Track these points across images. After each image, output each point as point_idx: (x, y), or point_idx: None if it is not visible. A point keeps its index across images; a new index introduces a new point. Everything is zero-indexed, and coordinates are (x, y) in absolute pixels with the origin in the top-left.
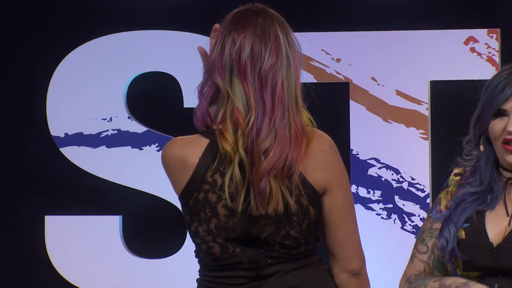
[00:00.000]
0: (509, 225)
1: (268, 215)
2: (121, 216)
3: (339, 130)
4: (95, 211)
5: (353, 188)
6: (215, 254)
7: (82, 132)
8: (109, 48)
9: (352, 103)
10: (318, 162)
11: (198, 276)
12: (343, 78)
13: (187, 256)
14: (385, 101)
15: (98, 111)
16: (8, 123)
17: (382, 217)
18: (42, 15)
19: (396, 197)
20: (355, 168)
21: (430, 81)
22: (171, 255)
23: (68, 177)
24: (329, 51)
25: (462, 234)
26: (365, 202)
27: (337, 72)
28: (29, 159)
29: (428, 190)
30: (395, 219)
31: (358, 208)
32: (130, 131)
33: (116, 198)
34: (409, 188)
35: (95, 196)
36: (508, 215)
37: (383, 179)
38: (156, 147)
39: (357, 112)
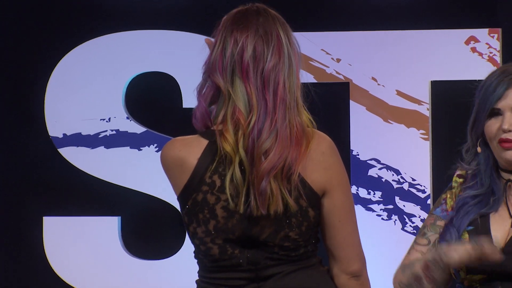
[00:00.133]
0: (511, 227)
1: (267, 217)
2: (119, 217)
3: (339, 131)
4: (94, 212)
5: (353, 189)
6: (214, 256)
7: (80, 133)
8: (107, 48)
9: (352, 103)
10: (318, 163)
11: (197, 278)
12: (343, 78)
13: (186, 258)
14: (386, 101)
15: (97, 112)
16: (6, 124)
17: (382, 218)
18: (40, 14)
19: (397, 198)
20: (355, 169)
21: (431, 81)
22: (170, 256)
23: (67, 177)
24: (329, 51)
25: (466, 237)
26: (365, 203)
27: (337, 72)
28: (27, 160)
29: (429, 191)
30: (396, 220)
31: (358, 209)
32: (129, 131)
33: (115, 199)
34: (409, 189)
35: (93, 197)
36: (511, 216)
37: (383, 179)
38: (155, 147)
39: (357, 112)
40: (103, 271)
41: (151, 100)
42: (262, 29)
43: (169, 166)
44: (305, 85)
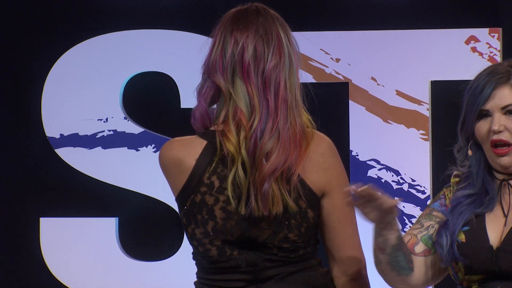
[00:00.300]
0: (505, 226)
1: (266, 218)
2: (117, 218)
3: (338, 131)
4: (91, 213)
5: None
6: (212, 257)
7: (77, 133)
8: (105, 47)
9: (351, 104)
10: (317, 164)
11: (195, 279)
12: (342, 78)
13: (184, 259)
14: (385, 101)
15: (94, 112)
16: (2, 124)
17: None
18: (37, 14)
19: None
20: (354, 170)
21: (431, 81)
22: (168, 257)
23: (64, 178)
24: (328, 51)
25: (462, 237)
26: None
27: (336, 72)
28: (24, 160)
29: (428, 191)
30: None
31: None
32: (126, 132)
33: (112, 200)
34: (409, 189)
35: (91, 197)
36: (505, 215)
37: (383, 180)
38: (153, 148)
39: (356, 112)
40: (101, 273)
41: (149, 100)
42: (262, 29)
43: (167, 167)
44: (304, 85)
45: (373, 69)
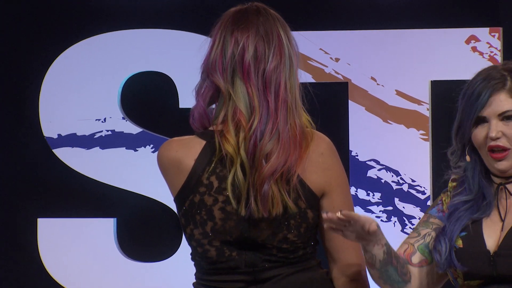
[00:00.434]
0: (502, 230)
1: (266, 219)
2: (115, 219)
3: (338, 131)
4: (89, 213)
5: (352, 190)
6: (211, 258)
7: (75, 133)
8: (103, 47)
9: (351, 104)
10: (317, 164)
11: (194, 280)
12: (342, 78)
13: (183, 260)
14: (385, 101)
15: (92, 112)
16: (0, 124)
17: (382, 220)
18: (35, 13)
19: (396, 199)
20: (354, 170)
21: (431, 81)
22: (166, 258)
23: (61, 179)
24: (328, 51)
25: (460, 243)
26: (365, 205)
27: (336, 72)
28: (22, 161)
29: (428, 192)
30: (395, 221)
31: (357, 210)
32: (124, 132)
33: (111, 200)
34: (409, 190)
35: (89, 198)
36: (502, 220)
37: (382, 181)
38: (151, 148)
39: (356, 112)
40: (99, 274)
41: (147, 100)
42: (263, 29)
43: (165, 167)
44: (304, 85)
45: (373, 69)
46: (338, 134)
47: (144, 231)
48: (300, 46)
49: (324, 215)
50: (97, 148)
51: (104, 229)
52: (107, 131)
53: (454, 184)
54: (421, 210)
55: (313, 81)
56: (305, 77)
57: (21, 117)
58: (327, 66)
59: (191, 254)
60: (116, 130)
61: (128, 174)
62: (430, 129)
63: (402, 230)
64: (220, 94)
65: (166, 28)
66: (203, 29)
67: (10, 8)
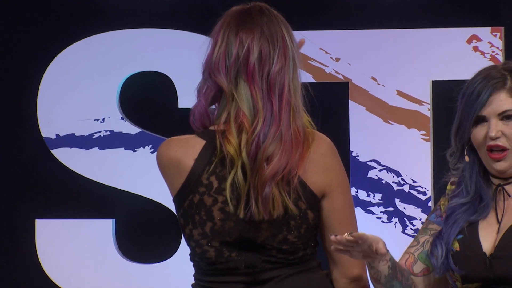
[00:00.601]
0: (498, 232)
1: (266, 220)
2: (114, 220)
3: (338, 131)
4: (88, 214)
5: (353, 191)
6: (210, 258)
7: (74, 133)
8: (102, 46)
9: (351, 104)
10: (317, 164)
11: (193, 281)
12: (342, 78)
13: (182, 261)
14: (386, 101)
15: (91, 112)
16: None
17: (382, 221)
18: (33, 13)
19: (397, 200)
20: (354, 171)
21: (432, 81)
22: (165, 259)
23: (60, 179)
24: (328, 50)
25: (457, 246)
26: (365, 206)
27: (336, 72)
28: (20, 161)
29: (429, 193)
30: (396, 222)
31: (358, 211)
32: (123, 132)
33: (109, 201)
34: (410, 191)
35: (87, 199)
36: (498, 222)
37: (383, 181)
38: (150, 148)
39: (356, 112)
40: (97, 275)
41: (146, 100)
42: (267, 30)
43: (165, 167)
44: (304, 85)
45: (373, 69)
46: (339, 134)
47: (143, 232)
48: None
49: (332, 238)
50: (96, 148)
51: (102, 230)
52: (106, 131)
53: (453, 187)
54: (422, 211)
55: (314, 81)
56: (305, 77)
57: (19, 117)
58: (327, 66)
59: (190, 254)
60: (114, 131)
61: (127, 174)
62: (431, 130)
63: (403, 231)
64: (223, 94)
65: (165, 27)
66: (202, 29)
67: (8, 8)
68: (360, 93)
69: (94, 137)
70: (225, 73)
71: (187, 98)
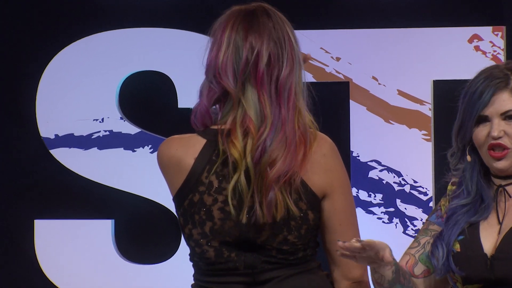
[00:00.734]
0: (499, 233)
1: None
2: (113, 220)
3: (338, 131)
4: (87, 215)
5: (354, 191)
6: (210, 258)
7: (73, 133)
8: (101, 46)
9: (352, 103)
10: (319, 165)
11: (192, 281)
12: (343, 78)
13: (182, 262)
14: (387, 101)
15: (90, 112)
16: None
17: (383, 221)
18: (32, 12)
19: (398, 201)
20: (355, 171)
21: (433, 80)
22: (165, 260)
23: (59, 179)
24: (329, 50)
25: (457, 247)
26: (366, 206)
27: (336, 71)
28: (19, 161)
29: (431, 193)
30: (397, 223)
31: (359, 212)
32: (122, 132)
33: (108, 202)
34: (411, 191)
35: (86, 199)
36: (499, 223)
37: (384, 182)
38: (150, 148)
39: (357, 112)
40: (96, 276)
41: (146, 100)
42: (275, 33)
43: (165, 166)
44: (306, 85)
45: (374, 68)
46: (339, 134)
47: (142, 233)
48: (301, 45)
49: (340, 244)
50: (95, 148)
51: (101, 230)
52: (105, 131)
53: (454, 187)
54: (423, 212)
55: (314, 80)
56: (306, 77)
57: (18, 117)
58: (328, 66)
59: (189, 254)
60: (114, 131)
61: (126, 175)
62: (432, 130)
63: (404, 232)
64: (228, 97)
65: (165, 27)
66: (202, 28)
67: (7, 7)
68: (361, 92)
69: (93, 137)
70: (233, 77)
71: (186, 98)
